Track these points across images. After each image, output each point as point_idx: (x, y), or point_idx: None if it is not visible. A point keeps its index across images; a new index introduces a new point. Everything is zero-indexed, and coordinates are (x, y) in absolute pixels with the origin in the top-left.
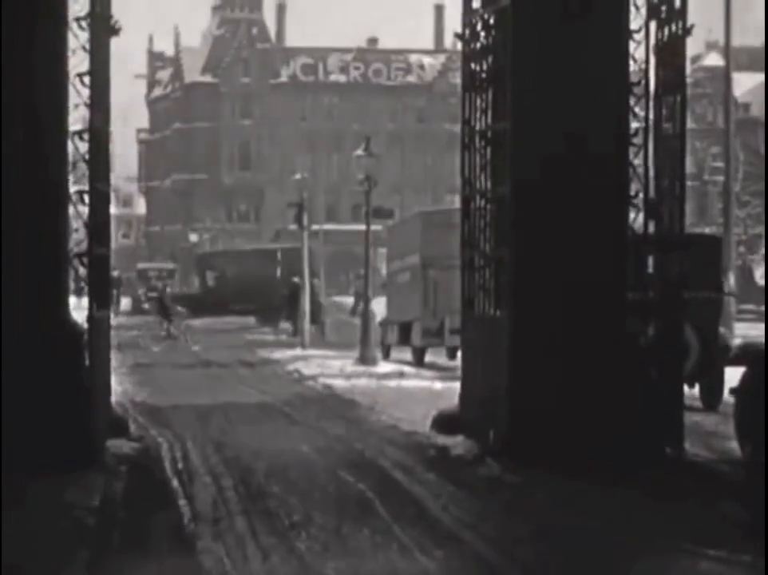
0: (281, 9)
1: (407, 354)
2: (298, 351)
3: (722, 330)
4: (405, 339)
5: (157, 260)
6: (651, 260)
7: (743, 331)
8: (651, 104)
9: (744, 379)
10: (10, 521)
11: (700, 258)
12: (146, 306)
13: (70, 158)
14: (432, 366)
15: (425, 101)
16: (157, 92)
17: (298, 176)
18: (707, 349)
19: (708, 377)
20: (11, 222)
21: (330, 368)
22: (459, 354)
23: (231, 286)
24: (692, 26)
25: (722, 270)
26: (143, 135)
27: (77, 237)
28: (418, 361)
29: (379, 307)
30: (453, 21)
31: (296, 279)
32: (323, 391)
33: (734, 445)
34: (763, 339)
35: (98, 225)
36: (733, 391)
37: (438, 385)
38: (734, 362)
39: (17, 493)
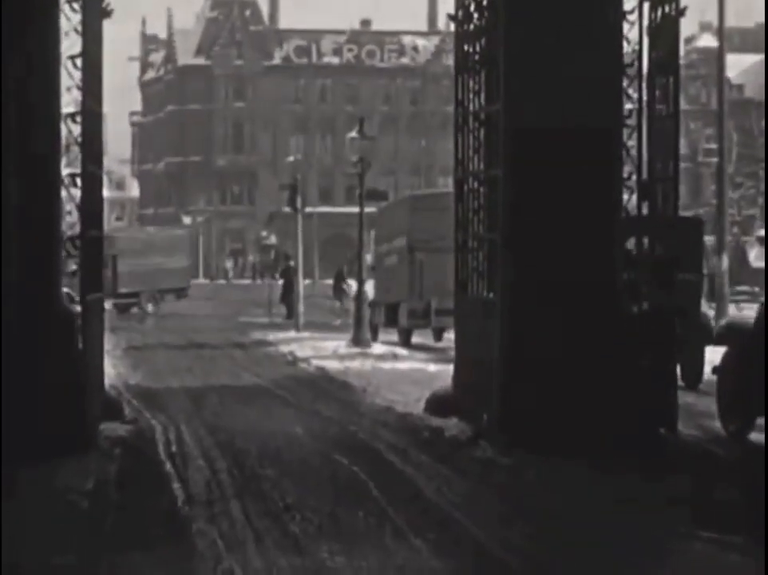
0: None
1: (395, 336)
2: (292, 333)
3: (703, 310)
4: (391, 320)
5: None
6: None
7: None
8: (645, 85)
9: (725, 358)
10: (4, 505)
11: (682, 239)
12: None
13: (63, 141)
14: (421, 348)
15: (418, 83)
16: (150, 74)
17: (291, 159)
18: (688, 329)
19: (689, 357)
20: (3, 205)
21: (324, 350)
22: (445, 335)
23: (118, 271)
24: (686, 7)
25: (704, 251)
26: (136, 118)
27: (70, 220)
28: (405, 342)
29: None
30: (447, 3)
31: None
32: (317, 373)
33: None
34: (746, 319)
35: (91, 208)
36: (715, 370)
37: (432, 367)
38: (719, 341)
39: (10, 477)
